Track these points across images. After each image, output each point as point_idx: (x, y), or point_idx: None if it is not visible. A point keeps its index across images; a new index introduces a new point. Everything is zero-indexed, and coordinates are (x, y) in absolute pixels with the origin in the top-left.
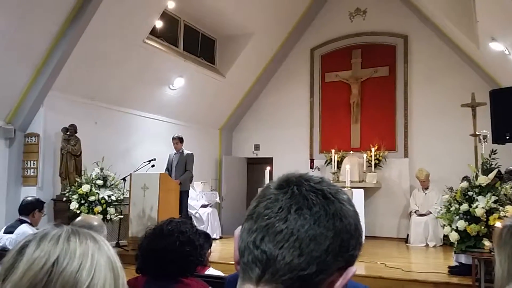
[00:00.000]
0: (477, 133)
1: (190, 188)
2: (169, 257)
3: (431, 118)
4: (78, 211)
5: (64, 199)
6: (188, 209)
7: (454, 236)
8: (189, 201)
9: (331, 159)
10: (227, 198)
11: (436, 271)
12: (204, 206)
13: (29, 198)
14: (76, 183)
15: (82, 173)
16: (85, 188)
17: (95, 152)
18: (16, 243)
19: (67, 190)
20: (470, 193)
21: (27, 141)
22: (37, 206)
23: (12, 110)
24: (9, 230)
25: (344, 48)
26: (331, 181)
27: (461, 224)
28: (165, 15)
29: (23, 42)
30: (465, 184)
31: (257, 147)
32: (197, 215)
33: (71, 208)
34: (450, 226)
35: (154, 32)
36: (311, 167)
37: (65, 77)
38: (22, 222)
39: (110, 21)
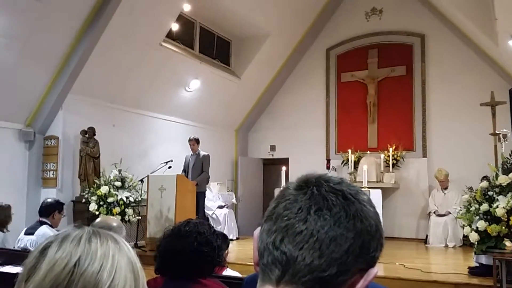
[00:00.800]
0: (496, 132)
1: (207, 189)
2: (187, 258)
3: (450, 117)
4: (97, 212)
5: (83, 200)
6: (205, 210)
7: (474, 237)
8: (206, 202)
9: (347, 160)
10: (243, 199)
11: (456, 272)
12: (220, 207)
13: (49, 200)
14: (95, 185)
15: (101, 174)
16: (104, 189)
17: (113, 154)
18: (37, 244)
19: (86, 192)
20: (490, 193)
21: (47, 144)
22: (57, 207)
23: (32, 114)
24: (29, 232)
25: (360, 48)
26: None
27: (481, 224)
28: (181, 18)
29: (42, 46)
30: (485, 183)
31: (273, 148)
32: (213, 216)
33: (90, 209)
34: (470, 226)
35: (170, 35)
36: (328, 168)
37: (83, 80)
38: (42, 223)
39: (127, 25)
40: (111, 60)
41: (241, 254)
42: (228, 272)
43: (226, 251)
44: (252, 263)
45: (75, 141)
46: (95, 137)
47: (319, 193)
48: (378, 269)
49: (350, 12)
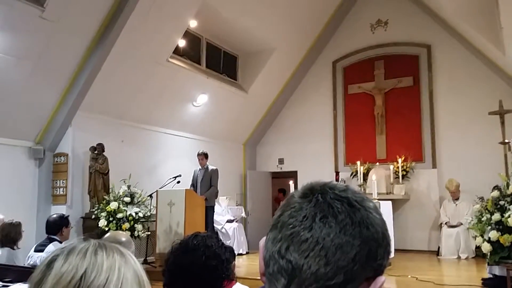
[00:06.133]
0: (506, 141)
1: (216, 203)
2: (196, 272)
3: (459, 127)
4: (106, 228)
5: (93, 216)
6: (214, 225)
7: (486, 247)
8: (215, 217)
9: (356, 172)
10: (252, 213)
11: (469, 284)
12: (230, 221)
13: (54, 216)
14: (104, 201)
15: (110, 190)
16: (113, 205)
17: (122, 170)
18: None
19: (96, 208)
20: (501, 203)
21: (56, 161)
22: (63, 223)
23: (41, 131)
24: (39, 249)
25: (366, 60)
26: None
27: (493, 234)
28: (188, 34)
29: (51, 65)
30: (496, 193)
31: (281, 161)
32: (223, 230)
33: (99, 225)
34: (482, 237)
35: (177, 51)
36: (337, 180)
37: (92, 97)
38: (51, 240)
39: (135, 42)
40: (119, 76)
41: (251, 269)
42: (237, 286)
43: (233, 263)
44: None
45: (85, 158)
46: (104, 153)
47: (324, 200)
48: (386, 279)
49: (356, 25)
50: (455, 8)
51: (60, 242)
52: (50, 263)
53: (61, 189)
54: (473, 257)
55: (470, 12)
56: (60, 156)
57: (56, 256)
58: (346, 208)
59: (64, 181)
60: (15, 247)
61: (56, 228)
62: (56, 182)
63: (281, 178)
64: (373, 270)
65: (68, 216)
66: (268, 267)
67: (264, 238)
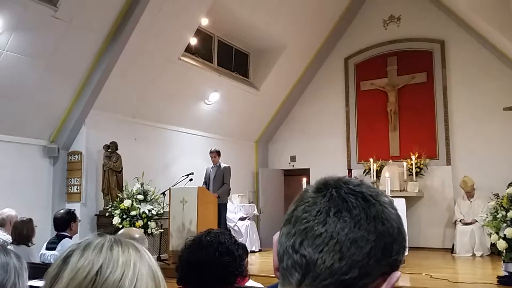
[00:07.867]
0: None
1: (228, 201)
2: (209, 268)
3: (473, 123)
4: (120, 226)
5: (107, 214)
6: (227, 222)
7: (502, 245)
8: (227, 214)
9: (369, 169)
10: (264, 210)
11: (484, 282)
12: (242, 218)
13: (61, 212)
14: (118, 199)
15: (123, 188)
16: (127, 203)
17: (135, 168)
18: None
19: (110, 206)
20: None
21: (70, 159)
22: (71, 218)
23: (56, 130)
24: (50, 247)
25: (379, 56)
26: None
27: (509, 231)
28: (199, 32)
29: (64, 64)
30: (511, 190)
31: (293, 159)
32: (235, 227)
33: (113, 222)
34: (498, 234)
35: (189, 49)
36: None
37: (105, 96)
38: (60, 237)
39: (147, 41)
40: (132, 75)
41: (263, 266)
42: (250, 283)
43: (246, 260)
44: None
45: (98, 156)
46: (117, 151)
47: (339, 195)
48: (401, 274)
49: (368, 21)
50: (469, 2)
51: (70, 238)
52: (66, 258)
53: (75, 187)
54: (488, 255)
55: (484, 6)
56: (74, 155)
57: (72, 251)
58: (360, 202)
59: (78, 179)
60: (30, 244)
61: (64, 224)
62: (70, 180)
63: (293, 176)
64: (389, 265)
65: (74, 210)
66: (282, 262)
67: (278, 233)
